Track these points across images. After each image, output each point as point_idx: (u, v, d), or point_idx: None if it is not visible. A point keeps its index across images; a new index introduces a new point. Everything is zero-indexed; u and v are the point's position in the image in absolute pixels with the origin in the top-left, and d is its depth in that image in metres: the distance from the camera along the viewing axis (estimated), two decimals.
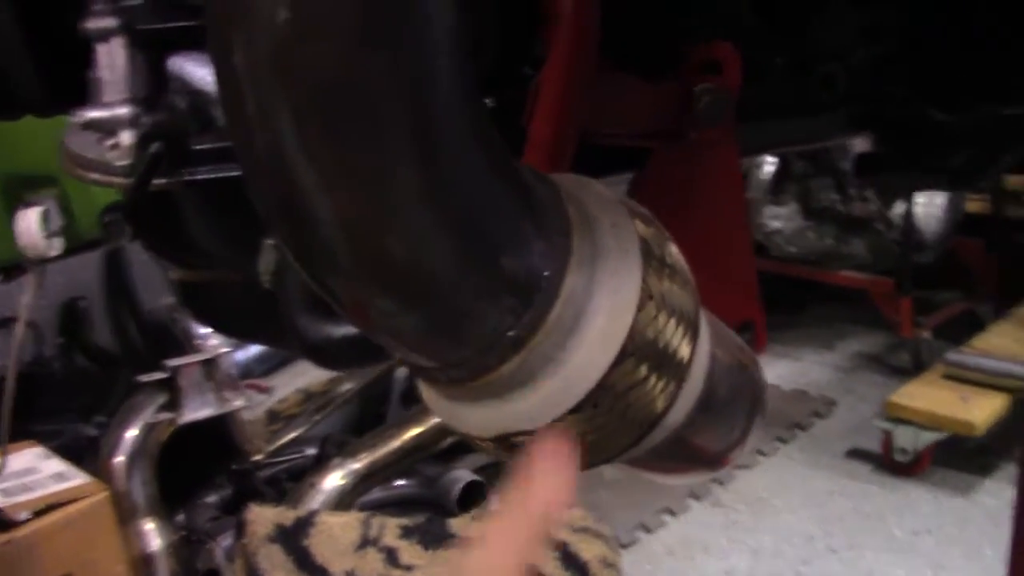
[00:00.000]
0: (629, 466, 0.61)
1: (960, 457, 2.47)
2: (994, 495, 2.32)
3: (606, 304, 0.46)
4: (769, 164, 3.06)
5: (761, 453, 2.58)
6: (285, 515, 1.90)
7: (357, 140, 0.38)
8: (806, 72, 0.71)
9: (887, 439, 2.45)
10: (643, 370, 0.47)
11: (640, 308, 0.46)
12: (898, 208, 3.12)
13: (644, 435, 0.50)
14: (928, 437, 2.37)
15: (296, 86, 0.37)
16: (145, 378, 1.83)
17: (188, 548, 2.04)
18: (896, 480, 2.42)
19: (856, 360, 3.27)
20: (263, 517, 1.88)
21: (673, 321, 0.48)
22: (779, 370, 3.18)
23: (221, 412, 1.91)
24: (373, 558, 1.88)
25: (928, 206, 3.28)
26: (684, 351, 0.50)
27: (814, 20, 0.69)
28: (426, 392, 0.51)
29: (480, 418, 0.48)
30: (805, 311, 3.66)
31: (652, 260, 0.48)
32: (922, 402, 2.40)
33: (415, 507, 2.36)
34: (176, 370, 1.83)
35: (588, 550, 1.92)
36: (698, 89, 0.67)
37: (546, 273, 0.44)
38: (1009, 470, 2.41)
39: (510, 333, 0.44)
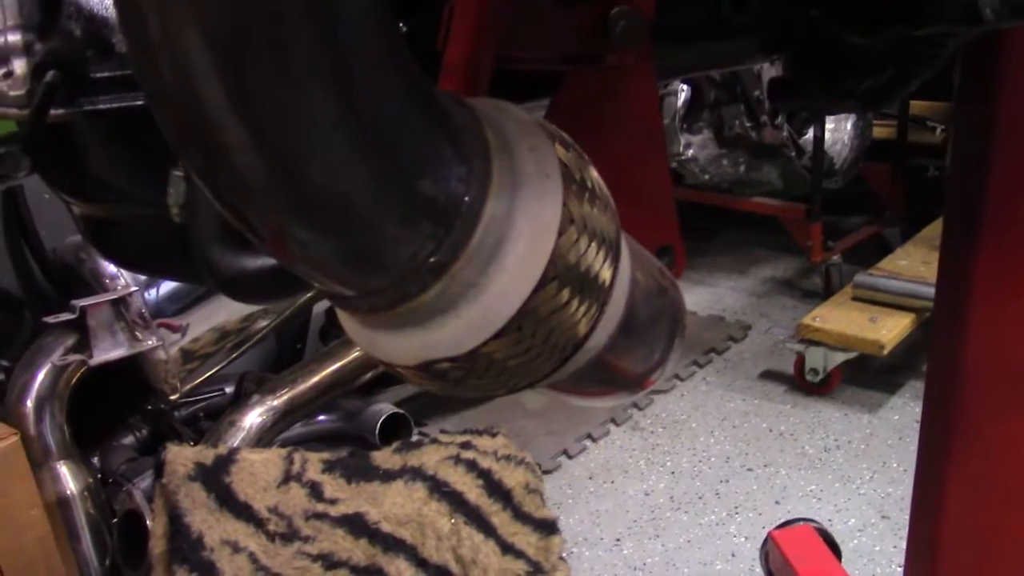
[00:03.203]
0: (550, 390, 0.61)
1: (868, 376, 2.56)
2: (899, 411, 2.41)
3: (527, 229, 0.45)
4: (682, 92, 3.07)
5: (678, 378, 2.64)
6: (204, 454, 1.88)
7: (268, 61, 0.37)
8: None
9: (799, 360, 2.52)
10: (565, 294, 0.47)
11: (561, 232, 0.46)
12: (809, 135, 3.17)
13: (567, 359, 0.51)
14: (838, 357, 2.45)
15: (203, 6, 0.36)
16: (52, 319, 1.78)
17: (105, 491, 2.01)
18: (808, 399, 2.50)
19: (769, 285, 3.34)
20: (182, 456, 1.86)
21: (595, 245, 0.48)
22: (695, 297, 3.23)
23: (133, 352, 1.87)
24: (297, 493, 1.87)
25: (837, 132, 3.33)
26: (606, 274, 0.50)
27: None
28: (346, 322, 0.50)
29: (402, 346, 0.47)
30: (719, 238, 3.72)
31: (572, 184, 0.48)
32: (832, 324, 2.47)
33: (337, 441, 2.36)
34: (85, 310, 1.78)
35: (512, 477, 1.94)
36: (614, 12, 0.66)
37: (466, 198, 0.44)
38: (914, 387, 2.50)
39: (431, 260, 0.44)
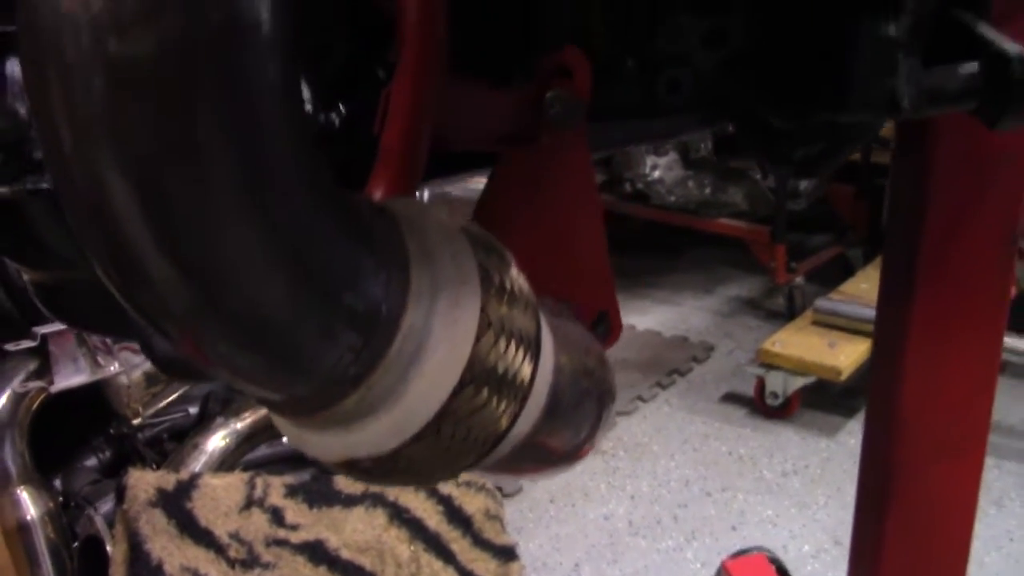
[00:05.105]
0: (481, 472, 0.63)
1: (827, 399, 2.60)
2: (856, 435, 2.45)
3: (445, 336, 0.47)
4: None
5: (641, 399, 2.66)
6: (166, 479, 1.89)
7: (182, 189, 0.38)
8: (654, 75, 0.73)
9: (759, 384, 2.56)
10: (484, 395, 0.49)
11: (479, 337, 0.48)
12: None
13: (488, 452, 0.53)
14: (797, 382, 2.48)
15: (117, 129, 0.37)
16: (13, 346, 1.78)
17: (67, 513, 2.01)
18: (768, 423, 2.53)
19: (734, 305, 3.38)
20: (143, 481, 1.86)
21: (513, 345, 0.50)
22: (660, 316, 3.26)
23: (94, 379, 1.87)
24: (259, 518, 1.88)
25: None
26: (525, 371, 0.52)
27: (660, 26, 0.71)
28: (272, 415, 0.52)
29: (326, 445, 0.49)
30: (686, 256, 3.75)
31: (492, 288, 0.50)
32: (792, 349, 2.50)
33: (301, 464, 2.37)
34: (47, 337, 1.79)
35: (472, 503, 1.96)
36: (549, 95, 0.68)
37: (385, 309, 0.46)
38: None
39: (350, 369, 0.45)
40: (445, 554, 1.87)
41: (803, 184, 3.35)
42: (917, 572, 1.13)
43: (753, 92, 0.73)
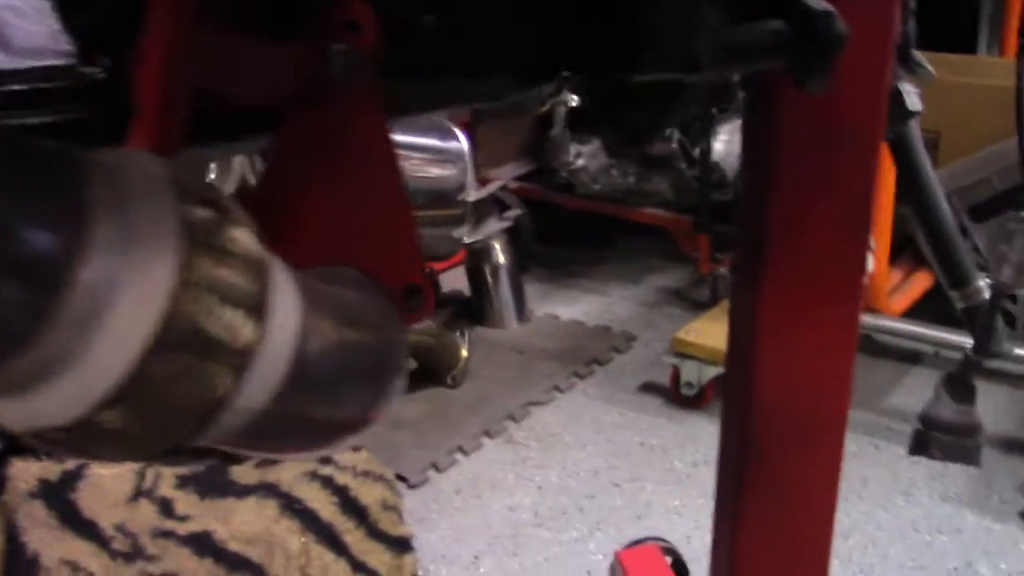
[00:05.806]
0: (244, 451, 0.59)
1: None
2: None
3: (131, 293, 0.43)
4: (573, 101, 3.07)
5: (558, 389, 2.64)
6: (51, 469, 1.83)
7: None
8: (457, 34, 0.69)
9: (675, 373, 2.54)
10: (185, 359, 0.45)
11: (177, 296, 0.44)
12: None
13: (206, 422, 0.49)
14: (711, 371, 2.47)
15: None
16: None
17: None
18: (682, 413, 2.52)
19: (660, 295, 3.36)
20: (27, 472, 1.80)
21: (225, 308, 0.47)
22: (585, 306, 3.24)
23: None
24: (146, 509, 1.83)
25: (730, 145, 3.36)
26: (243, 335, 0.48)
27: None
28: None
29: (6, 413, 0.45)
30: (617, 246, 3.73)
31: (199, 245, 0.46)
32: (706, 338, 2.49)
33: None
34: None
35: (369, 494, 1.92)
36: (333, 49, 0.65)
37: (56, 262, 0.42)
38: None
39: (16, 330, 0.41)
40: (337, 546, 1.83)
41: (730, 174, 3.34)
42: (776, 560, 1.11)
43: (559, 51, 0.69)
